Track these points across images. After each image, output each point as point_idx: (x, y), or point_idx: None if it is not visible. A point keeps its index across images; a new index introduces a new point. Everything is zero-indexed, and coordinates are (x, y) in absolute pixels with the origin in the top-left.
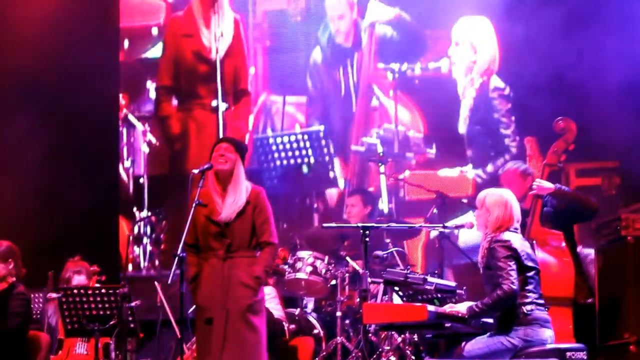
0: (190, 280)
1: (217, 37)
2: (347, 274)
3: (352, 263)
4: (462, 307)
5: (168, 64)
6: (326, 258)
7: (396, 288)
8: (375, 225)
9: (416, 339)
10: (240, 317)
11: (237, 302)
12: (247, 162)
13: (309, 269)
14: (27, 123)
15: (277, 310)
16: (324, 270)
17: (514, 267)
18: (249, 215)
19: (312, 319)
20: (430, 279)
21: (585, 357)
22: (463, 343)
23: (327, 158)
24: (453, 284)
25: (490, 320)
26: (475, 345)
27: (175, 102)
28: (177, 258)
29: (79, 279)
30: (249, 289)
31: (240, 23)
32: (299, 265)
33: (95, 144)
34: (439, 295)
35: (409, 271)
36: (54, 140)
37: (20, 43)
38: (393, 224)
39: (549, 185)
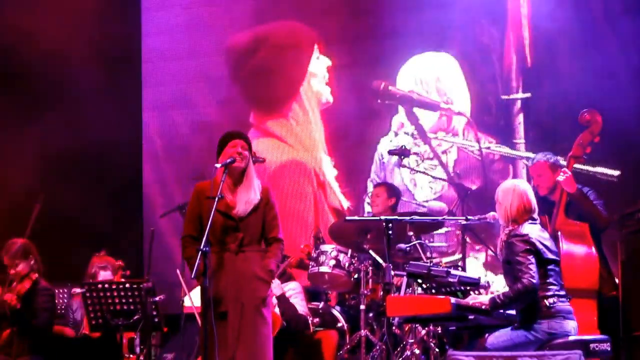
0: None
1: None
2: (370, 267)
3: (375, 256)
4: (484, 299)
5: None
6: (349, 251)
7: (419, 281)
8: (398, 217)
9: (440, 332)
10: (255, 311)
11: (252, 296)
12: None
13: (333, 262)
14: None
15: (301, 306)
16: (347, 264)
17: (533, 260)
18: (261, 210)
19: (336, 312)
20: (453, 271)
21: (609, 349)
22: (486, 335)
23: None
24: (476, 276)
25: (514, 312)
26: (499, 337)
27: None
28: (200, 252)
29: (104, 274)
30: (263, 282)
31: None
32: (322, 258)
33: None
34: (462, 288)
35: (432, 264)
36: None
37: None
38: (416, 217)
39: (572, 185)
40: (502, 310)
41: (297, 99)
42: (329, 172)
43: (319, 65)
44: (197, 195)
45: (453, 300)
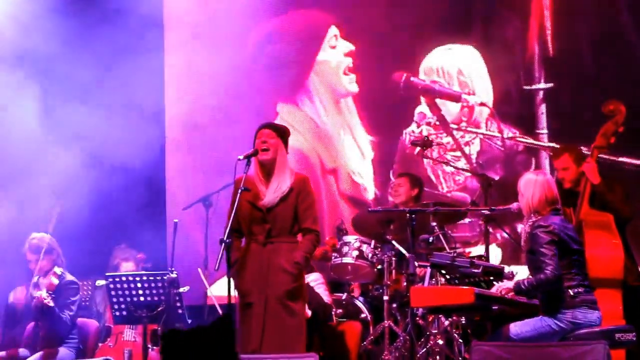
0: (232, 264)
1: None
2: (393, 258)
3: (398, 247)
4: (510, 284)
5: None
6: (372, 242)
7: (443, 271)
8: (422, 208)
9: (463, 322)
10: (278, 303)
11: (276, 288)
12: None
13: (356, 253)
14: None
15: (324, 296)
16: (370, 255)
17: (556, 252)
18: (292, 201)
19: (359, 303)
20: (477, 262)
21: (634, 338)
22: (510, 325)
23: None
24: (500, 266)
25: (537, 302)
26: (523, 328)
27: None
28: (223, 244)
29: (127, 266)
30: (288, 274)
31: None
32: (345, 249)
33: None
34: (486, 278)
35: (455, 254)
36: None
37: None
38: (439, 207)
39: (596, 176)
40: (526, 300)
41: (308, 89)
42: (349, 162)
43: (334, 55)
44: (235, 188)
45: (477, 290)
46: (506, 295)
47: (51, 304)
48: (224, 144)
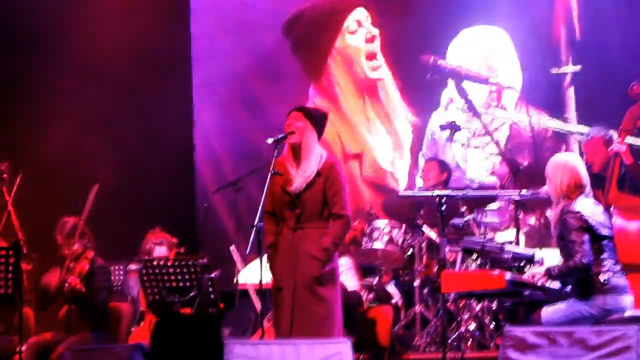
0: (267, 247)
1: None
2: (423, 243)
3: (428, 232)
4: (541, 269)
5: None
6: (403, 227)
7: (473, 256)
8: (452, 193)
9: (494, 307)
10: (306, 289)
11: (304, 274)
12: None
13: (386, 238)
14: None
15: (353, 281)
16: (400, 240)
17: (586, 239)
18: (320, 186)
19: (390, 288)
20: (507, 247)
21: None
22: (542, 311)
23: None
24: (531, 251)
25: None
26: (554, 314)
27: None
28: (254, 228)
29: (160, 250)
30: (316, 260)
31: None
32: (375, 234)
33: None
34: (516, 264)
35: (486, 239)
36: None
37: None
38: (470, 192)
39: (628, 156)
40: (558, 286)
41: (328, 73)
42: (375, 147)
43: (356, 40)
44: (269, 171)
45: (508, 275)
46: (537, 281)
47: (83, 288)
48: (252, 129)
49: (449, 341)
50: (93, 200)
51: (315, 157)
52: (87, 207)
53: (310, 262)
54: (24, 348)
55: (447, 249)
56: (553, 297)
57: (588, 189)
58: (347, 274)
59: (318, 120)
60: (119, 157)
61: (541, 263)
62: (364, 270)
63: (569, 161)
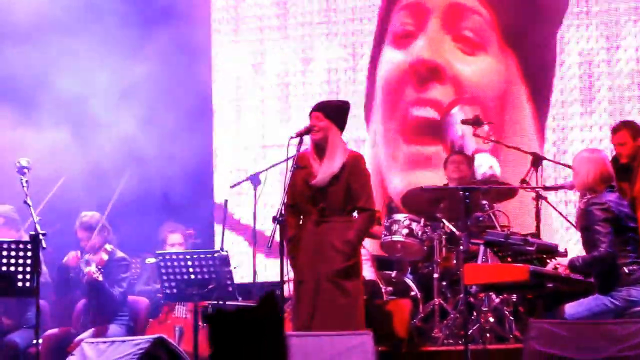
0: (288, 240)
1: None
2: (443, 236)
3: (448, 225)
4: (564, 261)
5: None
6: (422, 220)
7: (495, 249)
8: (476, 186)
9: (514, 299)
10: (330, 282)
11: (327, 267)
12: None
13: (405, 231)
14: None
15: (368, 272)
16: (420, 233)
17: (611, 230)
18: (344, 180)
19: (409, 281)
20: (531, 239)
21: None
22: (565, 306)
23: None
24: (554, 244)
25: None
26: (578, 307)
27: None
28: (276, 221)
29: (173, 238)
30: (340, 253)
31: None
32: (395, 227)
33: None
34: (539, 256)
35: (509, 232)
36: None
37: None
38: (493, 185)
39: None
40: (581, 278)
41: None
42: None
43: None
44: (292, 165)
45: (531, 267)
46: (561, 273)
47: (100, 278)
48: (273, 121)
49: (469, 333)
50: (118, 195)
51: (339, 153)
52: (113, 200)
53: (335, 255)
54: (40, 341)
55: (469, 242)
56: (576, 289)
57: (614, 182)
58: (364, 265)
59: (339, 114)
60: (135, 150)
61: (565, 255)
62: (383, 262)
63: (596, 154)
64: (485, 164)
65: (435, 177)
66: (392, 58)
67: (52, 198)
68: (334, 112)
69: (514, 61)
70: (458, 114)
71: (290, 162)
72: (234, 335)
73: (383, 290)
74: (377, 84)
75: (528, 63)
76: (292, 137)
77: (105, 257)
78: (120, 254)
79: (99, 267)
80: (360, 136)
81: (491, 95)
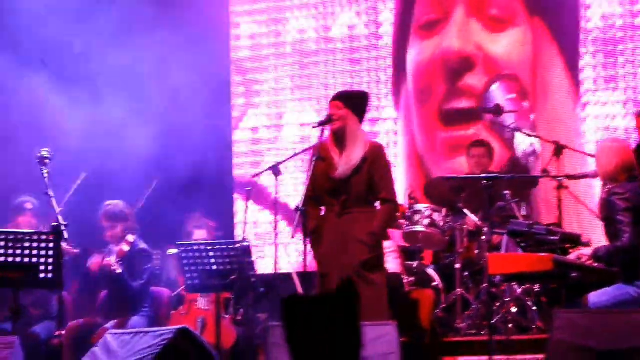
0: (310, 233)
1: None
2: (465, 226)
3: (469, 215)
4: (588, 251)
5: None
6: (444, 210)
7: (518, 239)
8: (499, 175)
9: (537, 290)
10: (354, 273)
11: (351, 258)
12: None
13: (427, 221)
14: None
15: (395, 264)
16: (441, 223)
17: (634, 219)
18: (366, 171)
19: (431, 271)
20: (554, 229)
21: None
22: (589, 296)
23: None
24: (577, 233)
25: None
26: (602, 297)
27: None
28: (298, 211)
29: (199, 233)
30: (364, 245)
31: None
32: (416, 217)
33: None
34: (562, 246)
35: (533, 222)
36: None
37: None
38: (516, 174)
39: None
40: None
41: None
42: None
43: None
44: (312, 155)
45: (555, 257)
46: (584, 263)
47: (119, 270)
48: (293, 111)
49: (491, 323)
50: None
51: (359, 144)
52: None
53: (358, 246)
54: (63, 332)
55: (492, 232)
56: (600, 278)
57: (636, 172)
58: (390, 257)
59: (359, 104)
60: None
61: (589, 244)
62: (405, 253)
63: (618, 144)
64: (526, 141)
65: None
66: (421, 50)
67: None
68: (353, 102)
69: (541, 26)
70: (497, 90)
71: (313, 153)
72: (308, 321)
73: (405, 281)
74: (408, 73)
75: (554, 27)
76: (313, 127)
77: (126, 248)
78: (142, 245)
79: (119, 258)
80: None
81: (524, 65)
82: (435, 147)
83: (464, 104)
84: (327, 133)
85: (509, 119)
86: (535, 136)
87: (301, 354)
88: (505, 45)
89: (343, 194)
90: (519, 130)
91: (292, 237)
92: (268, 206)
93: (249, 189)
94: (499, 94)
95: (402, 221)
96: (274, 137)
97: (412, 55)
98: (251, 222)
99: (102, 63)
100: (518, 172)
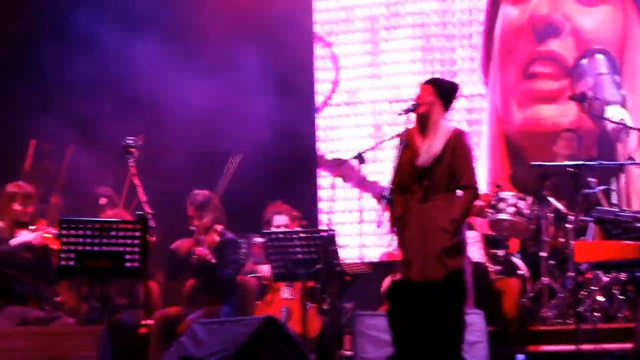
0: (395, 220)
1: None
2: (550, 214)
3: (555, 203)
4: None
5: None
6: (529, 198)
7: (605, 227)
8: (585, 162)
9: (623, 279)
10: (436, 261)
11: (433, 246)
12: None
13: (512, 209)
14: None
15: (479, 254)
16: (527, 211)
17: None
18: (447, 158)
19: (516, 260)
20: None
21: None
22: None
23: None
24: None
25: None
26: None
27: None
28: (384, 199)
29: (279, 219)
30: (445, 232)
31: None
32: (501, 205)
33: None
34: None
35: (618, 210)
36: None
37: None
38: (602, 162)
39: None
40: None
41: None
42: None
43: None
44: (398, 143)
45: None
46: None
47: (213, 260)
48: (378, 97)
49: (578, 312)
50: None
51: (441, 132)
52: (225, 181)
53: (440, 234)
54: (150, 322)
55: (577, 220)
56: None
57: None
58: (474, 246)
59: (448, 93)
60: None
61: None
62: (491, 242)
63: None
64: (616, 116)
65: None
66: (510, 13)
67: None
68: (443, 89)
69: (632, 7)
70: (587, 65)
71: (399, 140)
72: (414, 305)
73: (491, 270)
74: (495, 36)
75: None
76: (399, 114)
77: (217, 237)
78: (229, 234)
79: (211, 248)
80: None
81: (613, 43)
82: (515, 98)
83: (549, 69)
84: (412, 118)
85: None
86: (620, 124)
87: (403, 337)
88: (595, 19)
89: (425, 182)
90: (602, 117)
91: (378, 226)
92: (353, 193)
93: (335, 177)
94: (589, 69)
95: (487, 209)
96: (357, 117)
97: (501, 18)
98: (336, 210)
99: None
100: (605, 155)
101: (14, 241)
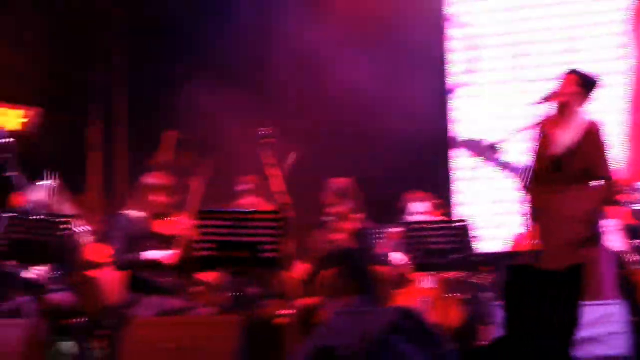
0: (532, 210)
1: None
2: None
3: None
4: None
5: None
6: None
7: None
8: None
9: None
10: (572, 252)
11: (569, 236)
12: None
13: None
14: None
15: (620, 243)
16: None
17: None
18: (583, 149)
19: None
20: None
21: None
22: None
23: None
24: None
25: None
26: None
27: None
28: (523, 189)
29: (415, 206)
30: (580, 223)
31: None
32: None
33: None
34: None
35: None
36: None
37: None
38: None
39: None
40: None
41: None
42: None
43: None
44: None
45: None
46: None
47: (355, 246)
48: (514, 86)
49: None
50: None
51: (578, 124)
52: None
53: (575, 225)
54: (289, 312)
55: None
56: None
57: None
58: (615, 235)
59: (590, 86)
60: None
61: None
62: (632, 231)
63: None
64: None
65: None
66: None
67: None
68: (586, 81)
69: None
70: None
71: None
72: (532, 293)
73: (629, 260)
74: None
75: None
76: (538, 103)
77: (358, 225)
78: (368, 223)
79: (350, 237)
80: None
81: None
82: None
83: None
84: (549, 108)
85: None
86: None
87: (517, 323)
88: None
89: (561, 172)
90: None
91: (521, 217)
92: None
93: (472, 167)
94: None
95: (629, 198)
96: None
97: None
98: (472, 200)
99: None
100: None
101: (144, 255)
